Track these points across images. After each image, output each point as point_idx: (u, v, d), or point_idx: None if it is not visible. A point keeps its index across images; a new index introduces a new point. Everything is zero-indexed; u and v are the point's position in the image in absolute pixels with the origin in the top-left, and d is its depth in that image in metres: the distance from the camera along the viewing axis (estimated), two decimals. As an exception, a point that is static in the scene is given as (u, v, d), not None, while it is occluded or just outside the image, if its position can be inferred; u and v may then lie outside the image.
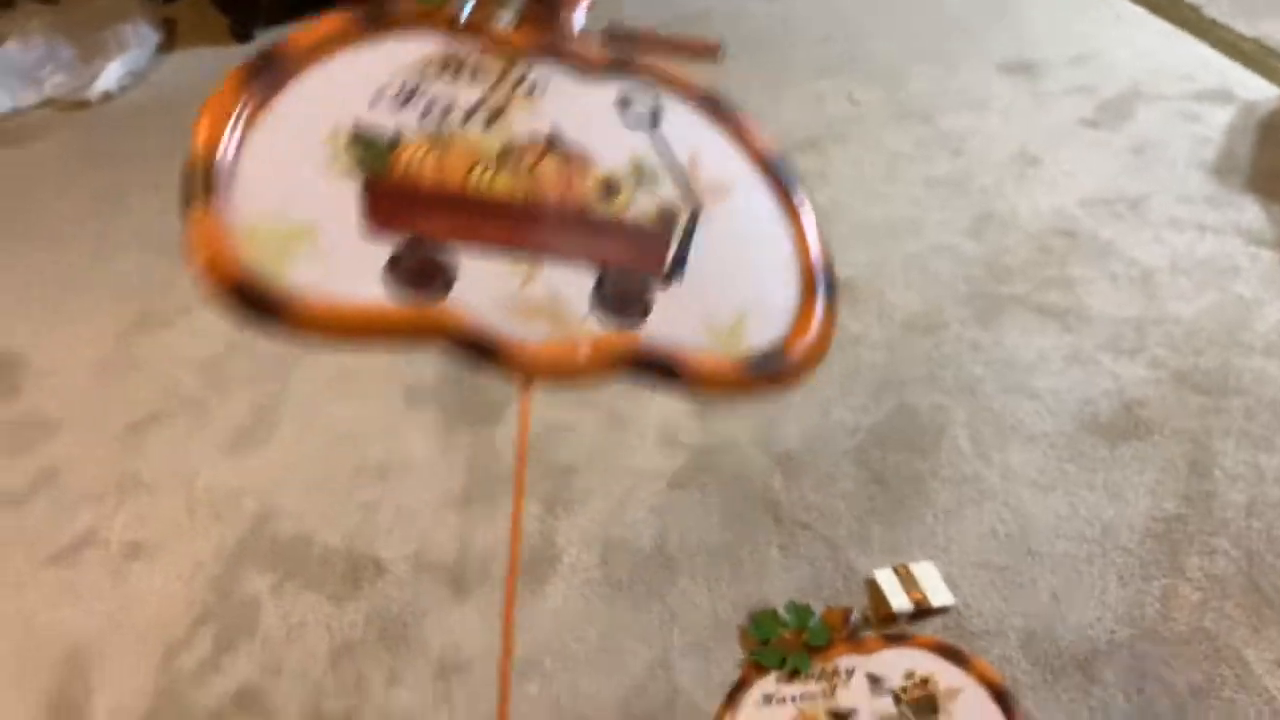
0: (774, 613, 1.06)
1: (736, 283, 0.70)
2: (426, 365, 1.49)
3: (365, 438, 1.39)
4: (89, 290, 1.86)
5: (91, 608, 1.23)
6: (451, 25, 0.69)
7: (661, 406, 1.35)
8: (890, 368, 1.32)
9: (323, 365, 1.53)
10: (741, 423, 1.29)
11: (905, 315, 1.40)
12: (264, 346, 1.60)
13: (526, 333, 0.62)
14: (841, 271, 1.50)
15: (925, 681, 0.97)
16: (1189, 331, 1.26)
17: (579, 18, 0.74)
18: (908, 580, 1.06)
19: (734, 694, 1.00)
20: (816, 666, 1.01)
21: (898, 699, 0.97)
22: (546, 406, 1.38)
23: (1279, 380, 1.18)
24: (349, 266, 0.62)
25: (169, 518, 1.34)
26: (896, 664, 1.00)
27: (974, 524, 1.10)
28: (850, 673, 1.00)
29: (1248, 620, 0.95)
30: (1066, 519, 1.08)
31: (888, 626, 1.03)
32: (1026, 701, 0.93)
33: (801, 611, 1.06)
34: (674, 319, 0.65)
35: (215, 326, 1.66)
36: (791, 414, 1.29)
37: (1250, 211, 1.42)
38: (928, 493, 1.15)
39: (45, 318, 1.81)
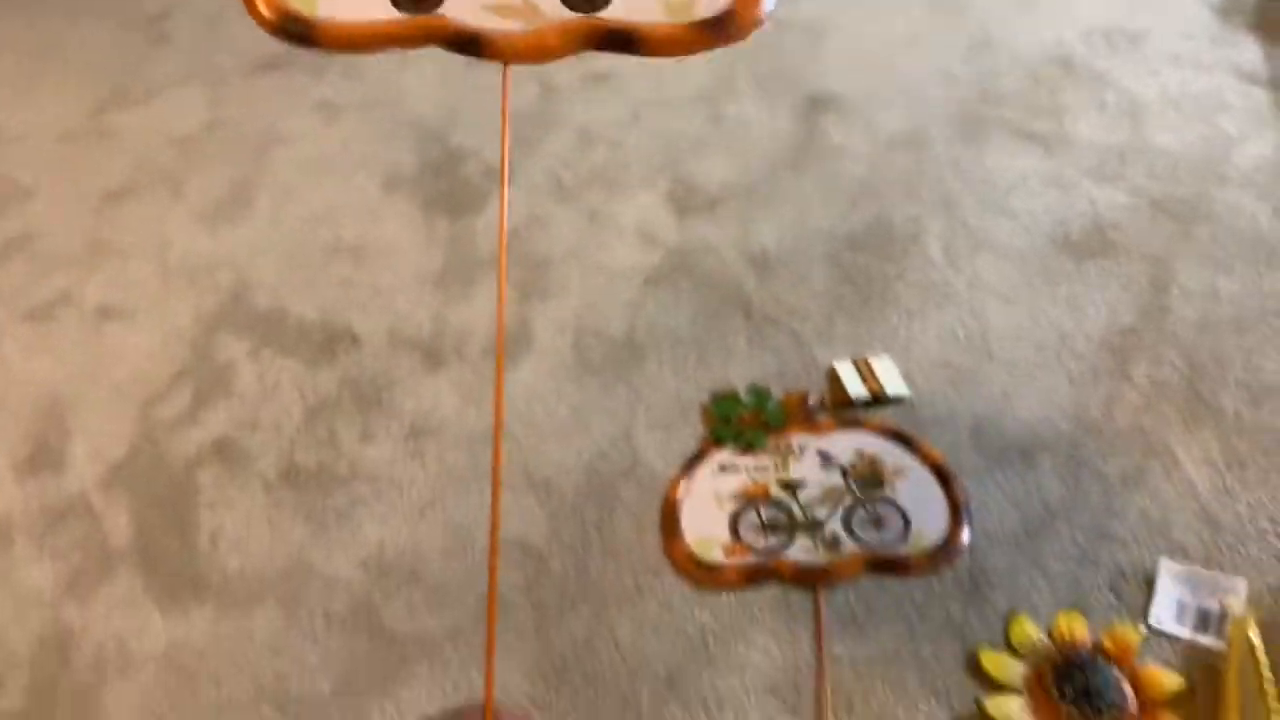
0: (735, 394, 1.11)
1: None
2: (405, 154, 1.47)
3: (342, 219, 1.39)
4: (62, 61, 1.80)
5: (69, 360, 1.25)
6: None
7: (641, 207, 1.35)
8: (870, 180, 1.33)
9: (301, 149, 1.52)
10: (720, 226, 1.30)
11: (890, 132, 1.39)
12: (240, 128, 1.57)
13: (506, 27, 0.68)
14: (831, 87, 1.48)
15: (873, 460, 1.03)
16: (1171, 162, 1.27)
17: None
18: (866, 372, 1.09)
19: (691, 463, 1.05)
20: (771, 443, 1.06)
21: (845, 473, 1.02)
22: (526, 200, 1.38)
23: (1250, 211, 1.20)
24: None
25: (144, 284, 1.35)
26: (848, 444, 1.05)
27: (936, 326, 1.13)
28: (803, 450, 1.05)
29: (1183, 422, 1.01)
30: (1026, 327, 1.12)
31: (843, 413, 1.07)
32: (969, 483, 0.99)
33: (761, 394, 1.10)
34: (633, 4, 0.73)
35: (191, 106, 1.63)
36: (769, 219, 1.30)
37: (1250, 51, 1.40)
38: (895, 295, 1.18)
39: (16, 84, 1.76)
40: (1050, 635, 0.87)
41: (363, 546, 1.03)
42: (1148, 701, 0.81)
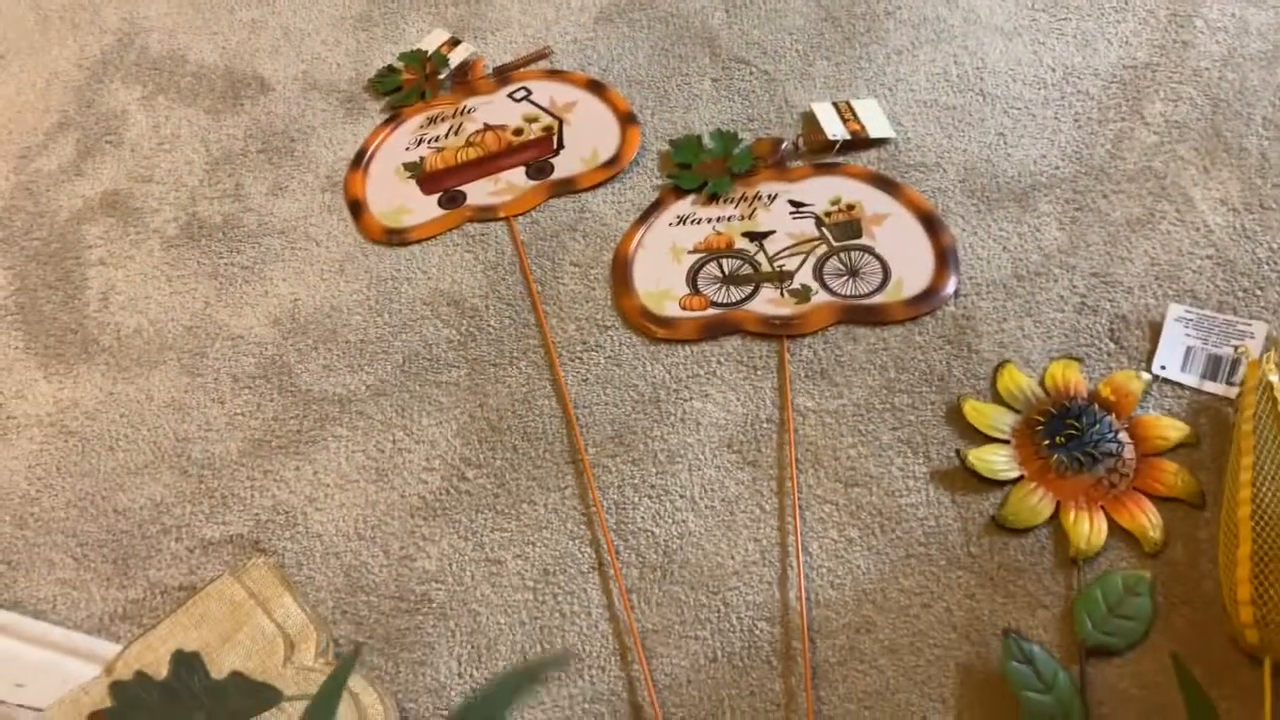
0: (698, 139, 0.97)
1: None
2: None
3: (247, -50, 1.19)
4: None
5: (-71, 106, 1.08)
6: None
7: (595, -61, 1.16)
8: (861, -94, 1.14)
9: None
10: (685, -41, 1.13)
11: None
12: None
13: None
14: None
15: (851, 207, 0.91)
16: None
17: None
18: (847, 114, 0.96)
19: (647, 214, 0.93)
20: (738, 191, 0.93)
21: (819, 221, 0.90)
22: (462, -67, 1.19)
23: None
24: None
25: (17, 26, 1.16)
26: (823, 191, 0.92)
27: (927, 65, 0.99)
28: (773, 198, 0.93)
29: (1200, 162, 0.89)
30: (1028, 64, 0.98)
31: (820, 156, 0.94)
32: (956, 229, 0.88)
33: (727, 138, 0.96)
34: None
35: None
36: (743, -48, 1.12)
37: None
38: (882, 32, 1.02)
39: None
40: (1042, 384, 0.78)
41: (275, 304, 0.91)
42: (1148, 450, 0.73)
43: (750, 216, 0.92)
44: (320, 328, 0.89)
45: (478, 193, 0.96)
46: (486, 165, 0.98)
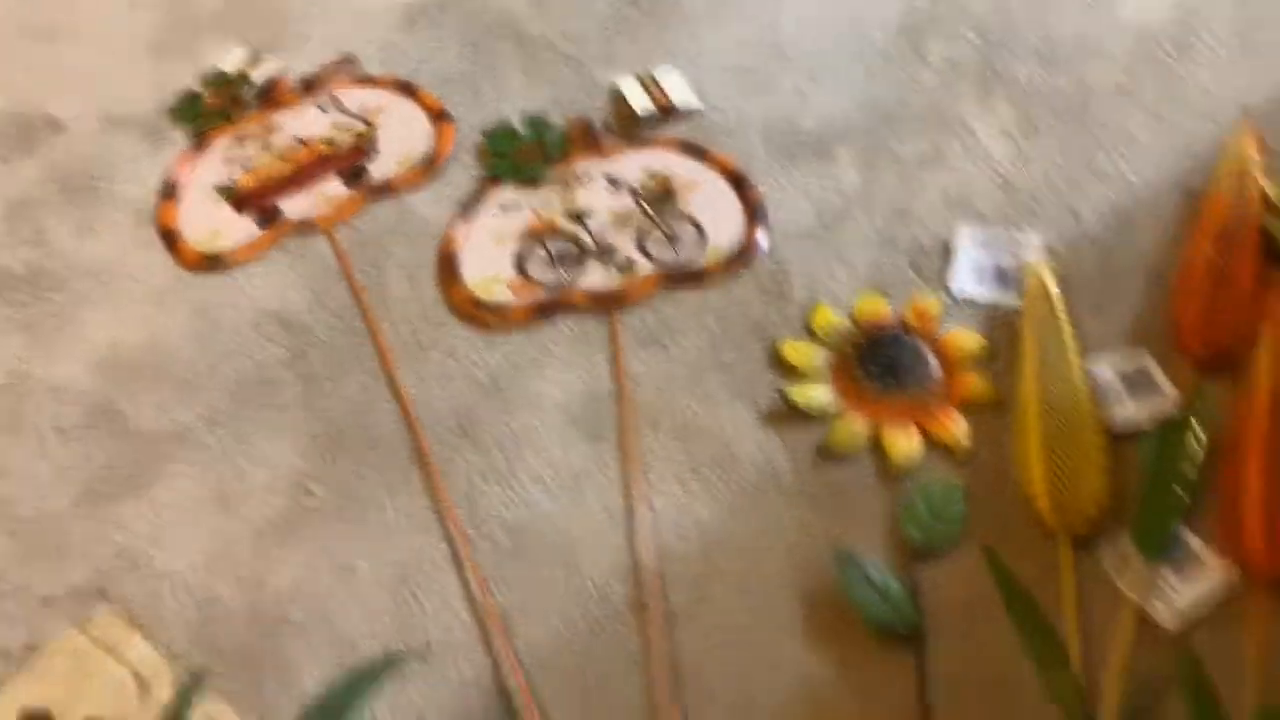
0: (511, 128, 0.98)
1: None
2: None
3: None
4: None
5: None
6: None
7: (390, -58, 1.16)
8: (647, -114, 1.17)
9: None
10: (483, -47, 1.14)
11: None
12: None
13: None
14: None
15: (664, 177, 0.94)
16: None
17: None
18: (652, 87, 0.99)
19: (468, 207, 0.94)
20: (555, 174, 0.95)
21: (636, 194, 0.93)
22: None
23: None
24: None
25: None
26: (636, 165, 0.95)
27: (725, 34, 1.03)
28: (589, 176, 0.95)
29: (978, 96, 0.95)
30: (820, 22, 1.03)
31: (630, 131, 0.97)
32: (763, 185, 0.92)
33: (539, 123, 0.98)
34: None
35: None
36: (538, -60, 1.14)
37: None
38: (680, 7, 1.06)
39: None
40: (852, 319, 0.82)
41: (94, 348, 0.88)
42: (952, 366, 0.79)
43: (570, 197, 0.94)
44: (146, 365, 0.86)
45: (295, 207, 0.95)
46: (301, 179, 0.97)
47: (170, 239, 0.94)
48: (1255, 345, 0.73)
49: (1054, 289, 0.78)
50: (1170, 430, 0.71)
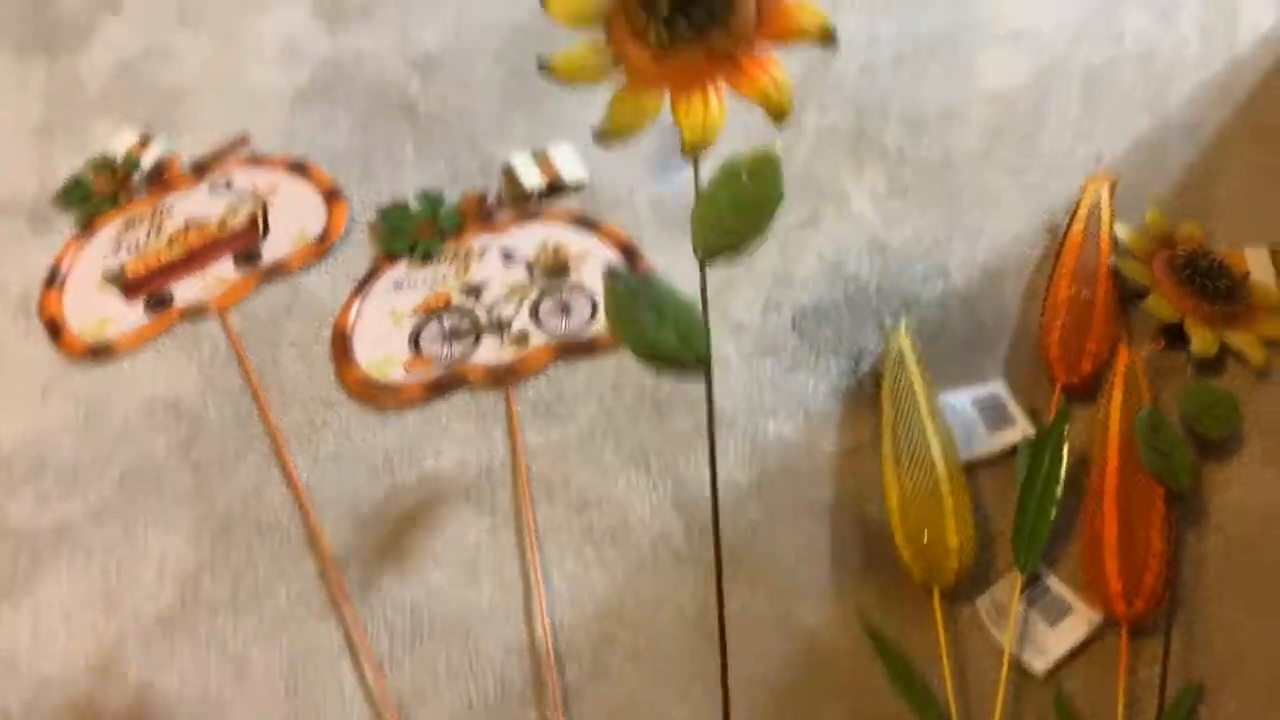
0: (404, 205, 1.00)
1: None
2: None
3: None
4: None
5: None
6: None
7: (284, 21, 1.17)
8: (535, -35, 1.21)
9: None
10: (376, 32, 1.15)
11: (553, -87, 1.27)
12: None
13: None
14: None
15: (557, 250, 0.96)
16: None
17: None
18: (544, 161, 1.01)
19: (362, 285, 0.95)
20: (450, 249, 0.97)
21: (529, 267, 0.95)
22: (143, 30, 1.17)
23: (904, -45, 1.19)
24: None
25: None
26: (530, 238, 0.97)
27: (613, 106, 1.06)
28: (484, 251, 0.96)
29: (852, 162, 1.00)
30: (702, 95, 1.07)
31: (522, 206, 0.99)
32: (653, 256, 0.95)
33: (433, 199, 0.99)
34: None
35: None
36: (431, 19, 1.16)
37: None
38: (569, 82, 1.09)
39: None
40: (739, 383, 0.85)
41: (-28, 445, 0.86)
42: (832, 425, 0.82)
43: (465, 272, 0.95)
44: (26, 460, 0.84)
45: (186, 291, 0.94)
46: (192, 262, 0.96)
47: (55, 330, 0.92)
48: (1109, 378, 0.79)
49: (910, 351, 0.82)
50: (1033, 451, 0.75)
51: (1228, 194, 0.96)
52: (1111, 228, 0.89)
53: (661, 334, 0.54)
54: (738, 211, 0.60)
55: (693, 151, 0.61)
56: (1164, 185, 0.97)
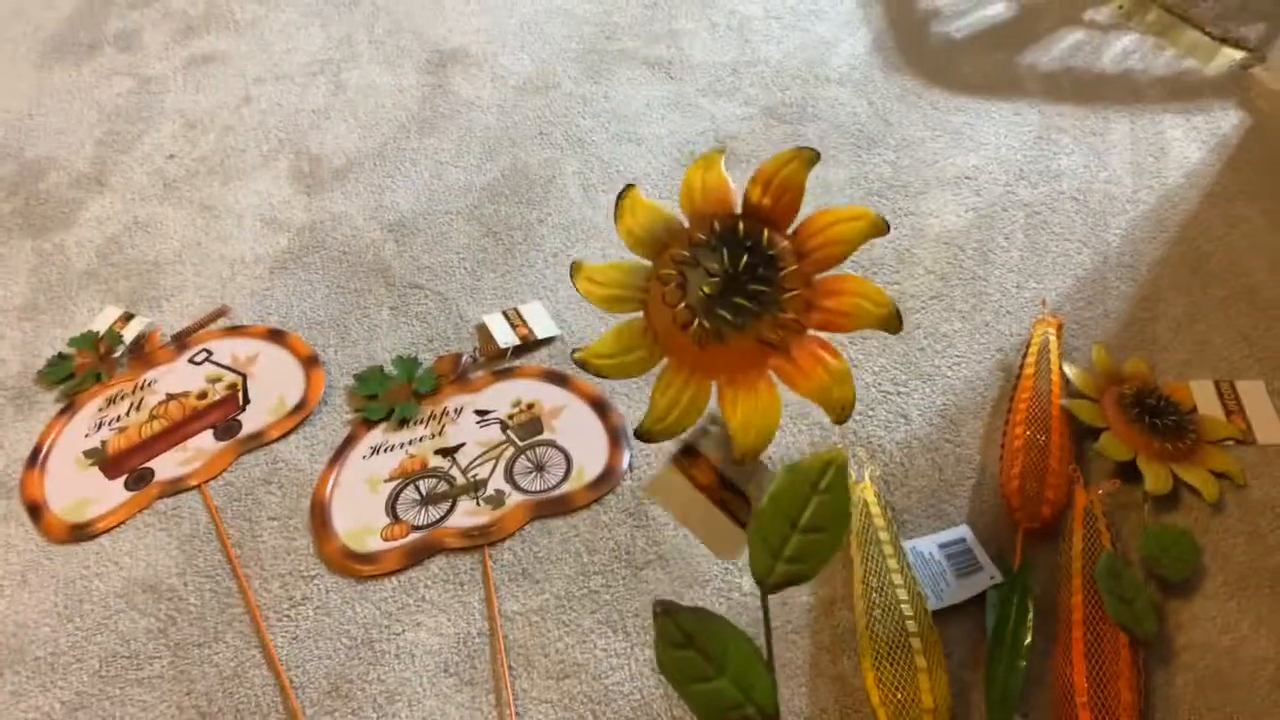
0: (380, 369, 1.03)
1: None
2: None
3: (-110, 260, 1.16)
4: None
5: None
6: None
7: (262, 192, 1.23)
8: (503, 128, 1.28)
9: None
10: (350, 198, 1.21)
11: (518, 78, 1.35)
12: None
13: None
14: (455, 40, 1.42)
15: (531, 406, 0.99)
16: (777, 70, 1.33)
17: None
18: (516, 320, 1.05)
19: (339, 452, 0.97)
20: (425, 411, 0.99)
21: (504, 425, 0.97)
22: (126, 204, 1.22)
23: (848, 105, 1.27)
24: None
25: None
26: (504, 396, 1.00)
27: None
28: (459, 411, 0.99)
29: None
30: (665, 247, 1.12)
31: (496, 364, 1.02)
32: (623, 407, 0.97)
33: (408, 363, 1.03)
34: None
35: None
36: (403, 184, 1.22)
37: (835, -38, 1.50)
38: (538, 239, 1.14)
39: None
40: (711, 538, 0.87)
41: (-51, 636, 0.86)
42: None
43: (440, 434, 0.98)
44: (5, 650, 0.84)
45: (166, 466, 0.96)
46: (173, 436, 0.98)
47: (35, 512, 0.93)
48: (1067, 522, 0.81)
49: (875, 503, 0.84)
50: (1000, 604, 0.76)
51: (1169, 325, 1.00)
52: (1060, 368, 0.93)
53: (720, 686, 0.46)
54: (801, 530, 0.50)
55: (745, 459, 0.52)
56: (1108, 320, 1.02)
